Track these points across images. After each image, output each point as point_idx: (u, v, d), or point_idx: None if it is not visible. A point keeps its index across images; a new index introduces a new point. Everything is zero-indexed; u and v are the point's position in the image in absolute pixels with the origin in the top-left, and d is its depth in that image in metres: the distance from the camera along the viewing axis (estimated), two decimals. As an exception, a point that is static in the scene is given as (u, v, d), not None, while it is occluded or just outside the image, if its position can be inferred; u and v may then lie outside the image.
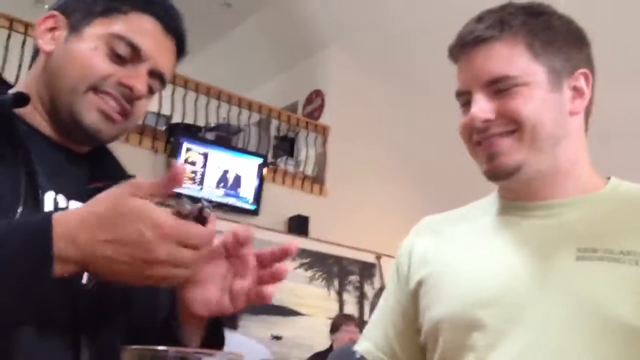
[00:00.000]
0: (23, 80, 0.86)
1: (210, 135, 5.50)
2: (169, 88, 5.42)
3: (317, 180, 5.92)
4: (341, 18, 5.91)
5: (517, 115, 0.90)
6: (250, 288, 0.73)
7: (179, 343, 0.76)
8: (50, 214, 0.63)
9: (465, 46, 0.94)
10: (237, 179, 5.28)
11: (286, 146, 6.07)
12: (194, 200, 0.67)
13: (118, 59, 0.81)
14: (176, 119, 5.51)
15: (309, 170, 5.94)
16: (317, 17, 6.12)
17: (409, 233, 1.08)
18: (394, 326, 1.04)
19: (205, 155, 5.16)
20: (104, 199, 0.63)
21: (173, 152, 4.99)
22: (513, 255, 0.92)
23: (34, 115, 0.82)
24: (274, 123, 6.15)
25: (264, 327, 4.63)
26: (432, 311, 0.95)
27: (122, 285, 0.79)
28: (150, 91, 0.86)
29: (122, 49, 0.81)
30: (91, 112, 0.80)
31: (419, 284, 1.00)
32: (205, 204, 0.67)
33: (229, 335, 2.75)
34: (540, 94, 0.90)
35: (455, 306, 0.92)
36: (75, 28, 0.82)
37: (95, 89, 0.80)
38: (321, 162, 6.02)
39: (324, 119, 6.19)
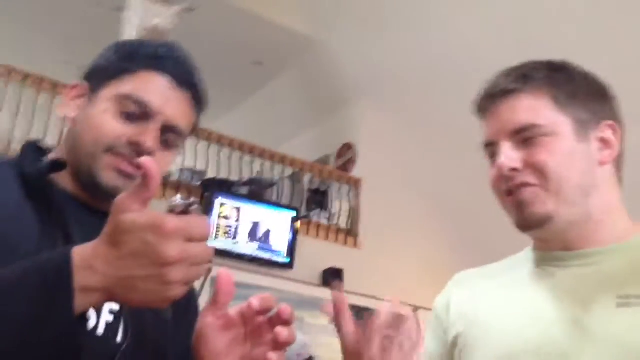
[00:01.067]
0: (59, 147, 0.89)
1: (243, 190, 5.56)
2: (203, 145, 5.54)
3: (350, 233, 5.89)
4: (370, 71, 5.99)
5: (543, 166, 0.90)
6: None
7: None
8: (69, 248, 0.62)
9: (491, 99, 0.95)
10: (267, 234, 5.29)
11: (319, 199, 6.08)
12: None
13: (128, 117, 0.83)
14: (210, 174, 5.60)
15: (342, 223, 5.92)
16: (346, 71, 6.23)
17: (445, 287, 1.07)
18: None
19: (238, 210, 5.20)
20: (106, 228, 0.62)
21: (207, 206, 5.04)
22: (552, 306, 0.90)
23: (68, 181, 0.85)
24: (307, 176, 6.19)
25: (300, 384, 4.53)
26: None
27: (156, 343, 0.80)
28: (167, 145, 0.87)
29: (131, 108, 0.83)
30: (108, 172, 0.82)
31: (457, 337, 0.99)
32: (195, 201, 0.66)
33: None
34: (567, 145, 0.91)
35: (496, 359, 0.90)
36: (93, 94, 0.86)
37: (110, 150, 0.82)
38: (354, 214, 6.01)
39: (356, 172, 6.21)
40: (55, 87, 4.90)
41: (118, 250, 0.60)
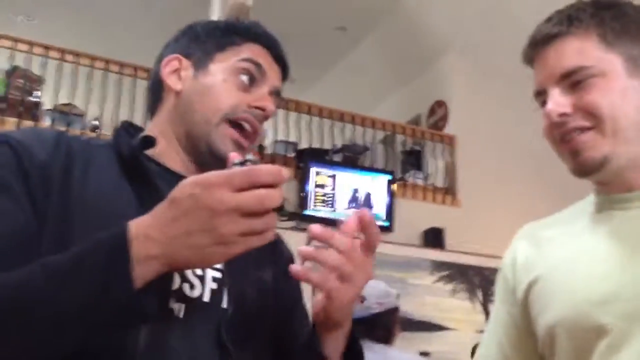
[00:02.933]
0: (154, 123, 0.92)
1: (337, 157, 5.60)
2: (294, 116, 5.61)
3: (448, 191, 5.81)
4: (456, 24, 5.80)
5: (594, 108, 0.86)
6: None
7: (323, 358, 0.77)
8: (125, 223, 0.64)
9: (536, 46, 0.93)
10: (368, 197, 5.32)
11: (413, 160, 6.02)
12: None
13: (244, 85, 0.88)
14: (303, 145, 5.68)
15: (439, 182, 5.85)
16: (433, 27, 6.07)
17: (511, 243, 1.05)
18: (508, 340, 1.02)
19: (334, 177, 5.25)
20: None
21: (303, 177, 5.14)
22: (620, 250, 0.88)
23: (166, 154, 0.88)
24: (399, 138, 6.14)
25: (410, 344, 4.58)
26: (544, 318, 0.92)
27: (258, 307, 0.83)
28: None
29: (251, 71, 0.88)
30: (225, 141, 0.86)
31: (526, 292, 0.97)
32: (252, 158, 0.67)
33: (385, 350, 2.64)
34: (618, 83, 0.87)
35: (568, 309, 0.89)
36: (200, 66, 0.89)
37: (227, 119, 0.86)
38: (450, 172, 5.91)
39: (449, 129, 6.08)
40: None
41: (172, 211, 0.62)
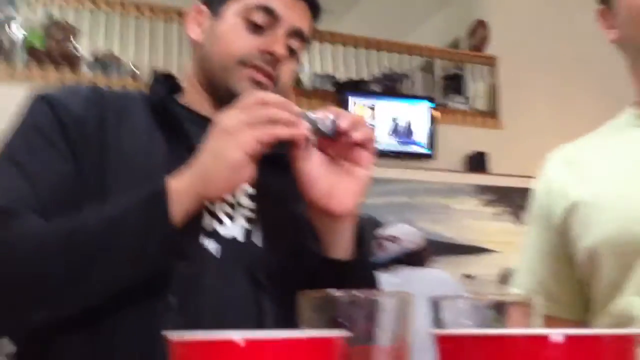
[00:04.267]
0: (185, 72, 0.96)
1: (376, 87, 5.53)
2: (328, 48, 5.53)
3: (490, 114, 5.70)
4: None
5: None
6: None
7: (333, 264, 0.80)
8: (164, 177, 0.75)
9: None
10: (408, 126, 5.27)
11: (454, 84, 5.89)
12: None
13: (256, 28, 0.88)
14: (341, 77, 5.61)
15: (481, 105, 5.73)
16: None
17: (543, 167, 1.03)
18: (543, 266, 1.00)
19: (373, 107, 5.21)
20: None
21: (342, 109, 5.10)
22: None
23: (193, 98, 0.92)
24: (438, 63, 6.00)
25: (454, 267, 4.63)
26: (585, 240, 0.91)
27: (293, 243, 0.86)
28: (292, 52, 0.91)
29: (258, 17, 0.88)
30: (243, 82, 0.88)
31: (564, 217, 0.95)
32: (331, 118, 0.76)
33: (420, 270, 2.83)
34: None
35: (612, 229, 0.87)
36: (216, 12, 0.91)
37: (243, 63, 0.88)
38: (492, 94, 5.77)
39: (490, 50, 5.90)
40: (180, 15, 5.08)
41: (201, 149, 0.72)
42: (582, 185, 0.95)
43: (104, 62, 4.92)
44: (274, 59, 0.87)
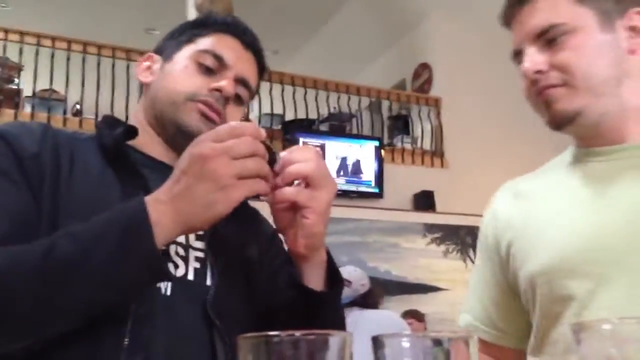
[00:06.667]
0: (133, 116, 0.96)
1: (324, 127, 5.60)
2: (278, 87, 5.58)
3: (436, 154, 5.83)
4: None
5: (568, 65, 0.88)
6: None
7: (307, 292, 0.79)
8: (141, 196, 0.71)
9: (512, 7, 0.95)
10: (357, 165, 5.33)
11: (400, 124, 6.03)
12: None
13: (206, 71, 0.90)
14: (289, 116, 5.66)
15: (427, 145, 5.86)
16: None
17: (492, 199, 1.07)
18: (489, 296, 1.04)
19: (322, 147, 5.25)
20: None
21: (291, 148, 5.13)
22: (598, 200, 0.90)
23: (149, 144, 0.91)
24: (385, 103, 6.13)
25: (403, 306, 4.65)
26: (525, 269, 0.94)
27: (244, 283, 0.85)
28: (239, 99, 0.93)
29: (209, 61, 0.90)
30: (192, 115, 0.88)
31: (508, 248, 0.98)
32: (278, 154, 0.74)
33: (369, 312, 2.88)
34: (592, 39, 0.89)
35: (549, 258, 0.91)
36: (167, 57, 0.93)
37: (191, 98, 0.88)
38: (438, 134, 5.92)
39: (434, 91, 6.07)
40: (130, 54, 5.06)
41: (174, 175, 0.70)
42: (523, 217, 0.98)
43: (47, 100, 4.82)
44: (222, 98, 0.89)
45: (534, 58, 0.91)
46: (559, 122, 0.92)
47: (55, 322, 0.67)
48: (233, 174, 0.67)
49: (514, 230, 0.98)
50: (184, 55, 0.91)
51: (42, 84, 4.89)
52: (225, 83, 0.89)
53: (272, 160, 0.73)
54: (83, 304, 0.68)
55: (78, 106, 5.06)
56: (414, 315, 4.15)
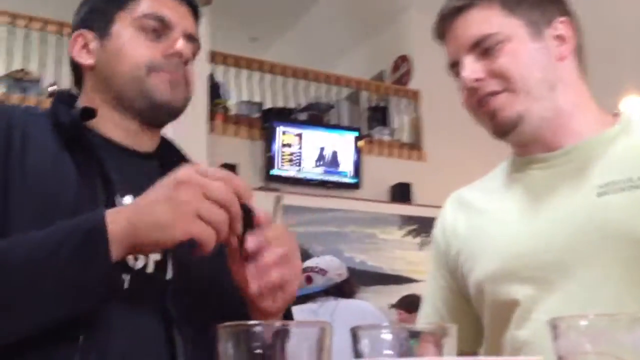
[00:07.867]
0: (82, 100, 0.91)
1: (302, 116, 5.58)
2: (257, 75, 5.55)
3: (414, 146, 5.85)
4: (418, -23, 5.75)
5: (505, 70, 0.92)
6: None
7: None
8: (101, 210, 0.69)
9: (445, 20, 0.98)
10: (335, 155, 5.33)
11: (379, 116, 6.03)
12: None
13: (152, 35, 0.87)
14: (268, 104, 5.63)
15: (405, 137, 5.88)
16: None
17: (441, 209, 1.10)
18: (444, 303, 1.07)
19: (300, 136, 5.24)
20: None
21: (268, 137, 5.11)
22: (538, 207, 0.93)
23: (103, 125, 0.87)
24: (364, 95, 6.13)
25: (380, 297, 4.68)
26: (472, 276, 0.97)
27: (203, 278, 0.83)
28: (192, 56, 0.91)
29: (152, 24, 0.87)
30: (161, 86, 0.86)
31: (456, 256, 1.02)
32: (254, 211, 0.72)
33: (345, 302, 2.87)
34: (524, 46, 0.93)
35: (493, 265, 0.94)
36: (104, 34, 0.88)
37: (152, 69, 0.86)
38: (416, 127, 5.94)
39: (413, 84, 6.09)
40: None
41: (152, 189, 0.69)
42: (469, 226, 1.01)
43: (20, 80, 4.72)
44: (181, 62, 0.87)
45: (472, 67, 0.94)
46: (504, 129, 0.94)
47: (4, 329, 0.66)
48: (195, 209, 0.66)
49: (460, 239, 1.02)
50: (123, 26, 0.87)
51: (17, 65, 4.78)
52: (180, 46, 0.87)
53: (248, 223, 0.71)
54: (35, 314, 0.66)
55: (54, 87, 4.95)
56: (405, 307, 4.01)
